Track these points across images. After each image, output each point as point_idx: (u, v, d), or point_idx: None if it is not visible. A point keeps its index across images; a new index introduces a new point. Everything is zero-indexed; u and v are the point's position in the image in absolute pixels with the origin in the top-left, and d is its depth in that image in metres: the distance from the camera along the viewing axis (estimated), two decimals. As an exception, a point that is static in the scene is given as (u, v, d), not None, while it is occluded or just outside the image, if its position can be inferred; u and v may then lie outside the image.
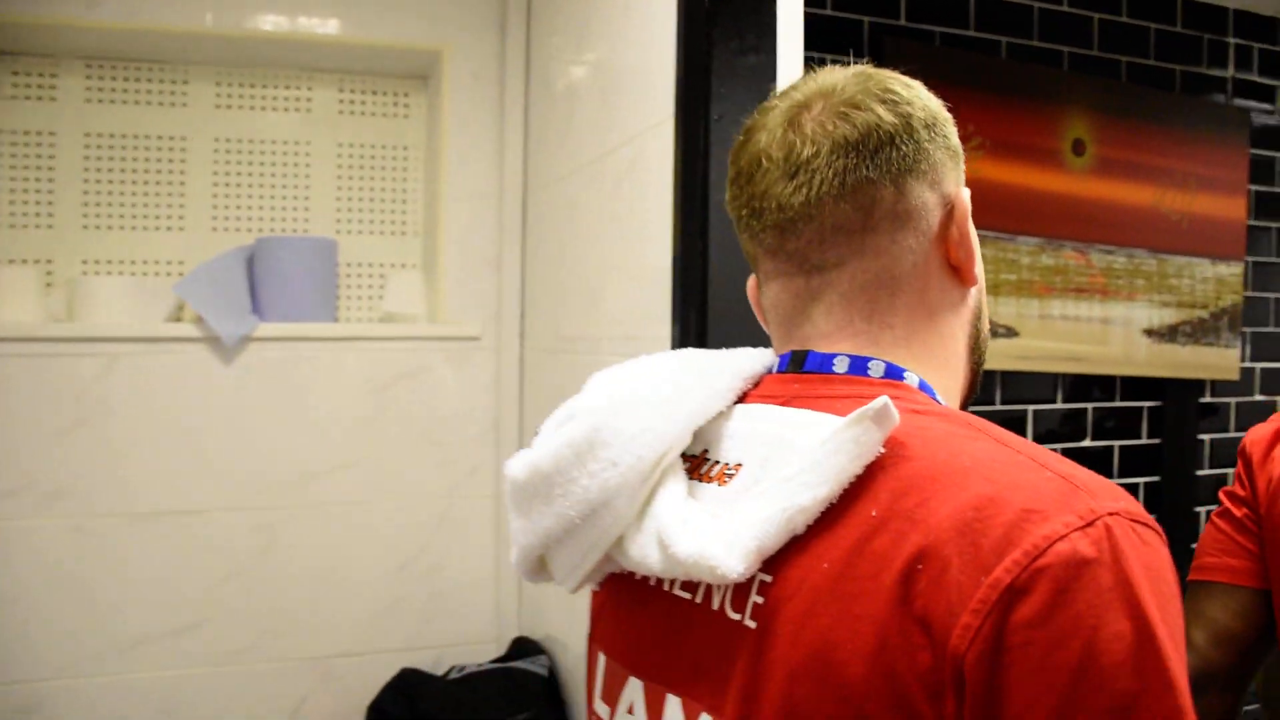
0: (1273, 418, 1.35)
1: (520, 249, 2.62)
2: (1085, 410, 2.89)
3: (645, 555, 0.69)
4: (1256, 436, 1.34)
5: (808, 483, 0.62)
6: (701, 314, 1.44)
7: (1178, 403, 3.00)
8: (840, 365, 0.73)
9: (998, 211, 2.66)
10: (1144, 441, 2.99)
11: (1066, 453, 2.68)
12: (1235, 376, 3.04)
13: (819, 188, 0.71)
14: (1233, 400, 3.12)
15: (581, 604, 0.91)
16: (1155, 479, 3.01)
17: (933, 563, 0.57)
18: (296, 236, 2.58)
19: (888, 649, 0.57)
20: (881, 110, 0.72)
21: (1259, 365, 3.16)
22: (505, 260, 2.61)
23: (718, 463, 0.74)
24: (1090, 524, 0.56)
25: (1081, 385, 2.87)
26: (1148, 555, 0.57)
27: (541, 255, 2.48)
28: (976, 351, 0.82)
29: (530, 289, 2.57)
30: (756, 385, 0.78)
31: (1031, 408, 2.80)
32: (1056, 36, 2.77)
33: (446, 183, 2.58)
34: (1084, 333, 2.79)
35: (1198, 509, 3.08)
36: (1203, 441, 3.08)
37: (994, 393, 2.74)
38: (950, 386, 0.78)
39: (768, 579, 0.65)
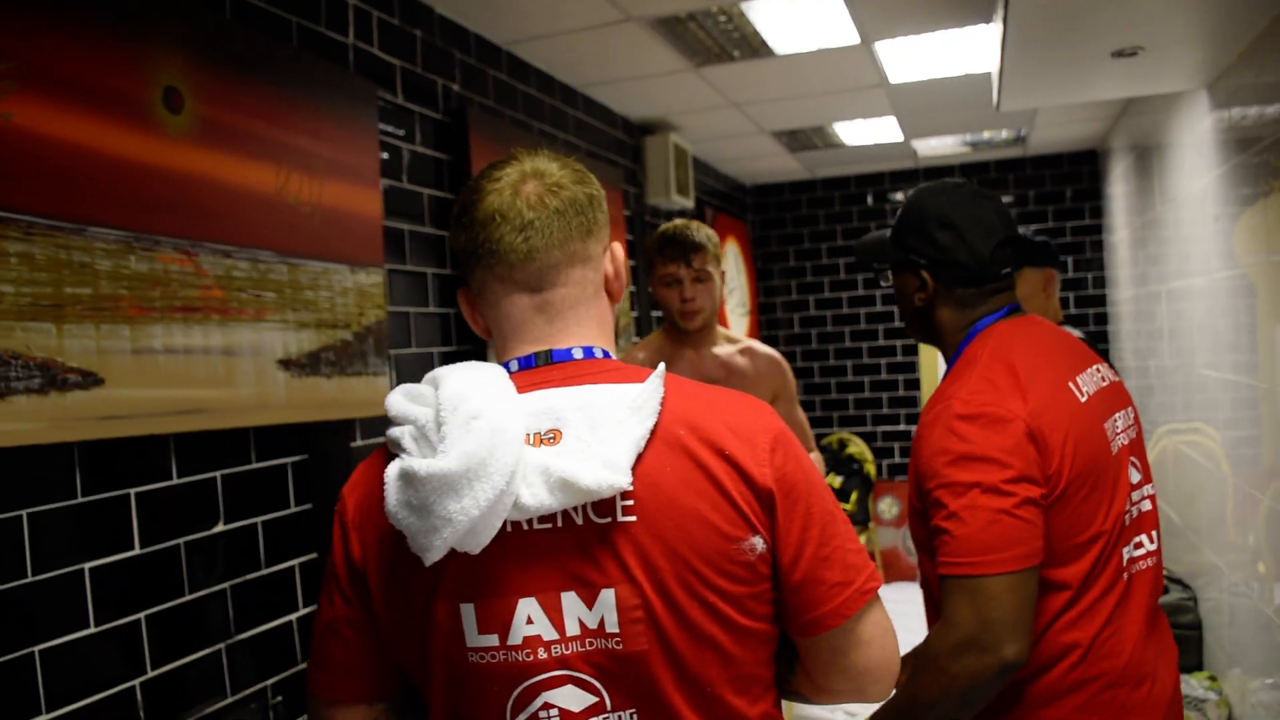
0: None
1: None
2: (214, 482, 2.02)
3: (540, 499, 0.99)
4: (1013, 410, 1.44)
5: (641, 420, 1.03)
6: None
7: (327, 453, 2.32)
8: (577, 354, 1.12)
9: (53, 184, 1.63)
10: (294, 510, 2.24)
11: (185, 553, 1.74)
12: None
13: (541, 239, 1.10)
14: (384, 438, 2.55)
15: None
16: (313, 556, 2.28)
17: (730, 449, 1.06)
18: None
19: (726, 496, 1.04)
20: (579, 190, 1.14)
21: (407, 394, 2.64)
22: None
23: (537, 433, 1.05)
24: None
25: (204, 447, 1.99)
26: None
27: None
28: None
29: None
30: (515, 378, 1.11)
31: (134, 492, 1.83)
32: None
33: None
34: (201, 371, 1.91)
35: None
36: (357, 496, 2.44)
37: (74, 481, 1.71)
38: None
39: (630, 488, 1.02)
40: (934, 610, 1.56)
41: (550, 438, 1.04)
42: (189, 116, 1.90)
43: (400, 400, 1.08)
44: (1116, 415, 1.56)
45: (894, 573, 6.02)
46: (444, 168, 2.88)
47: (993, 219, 1.58)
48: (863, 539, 5.67)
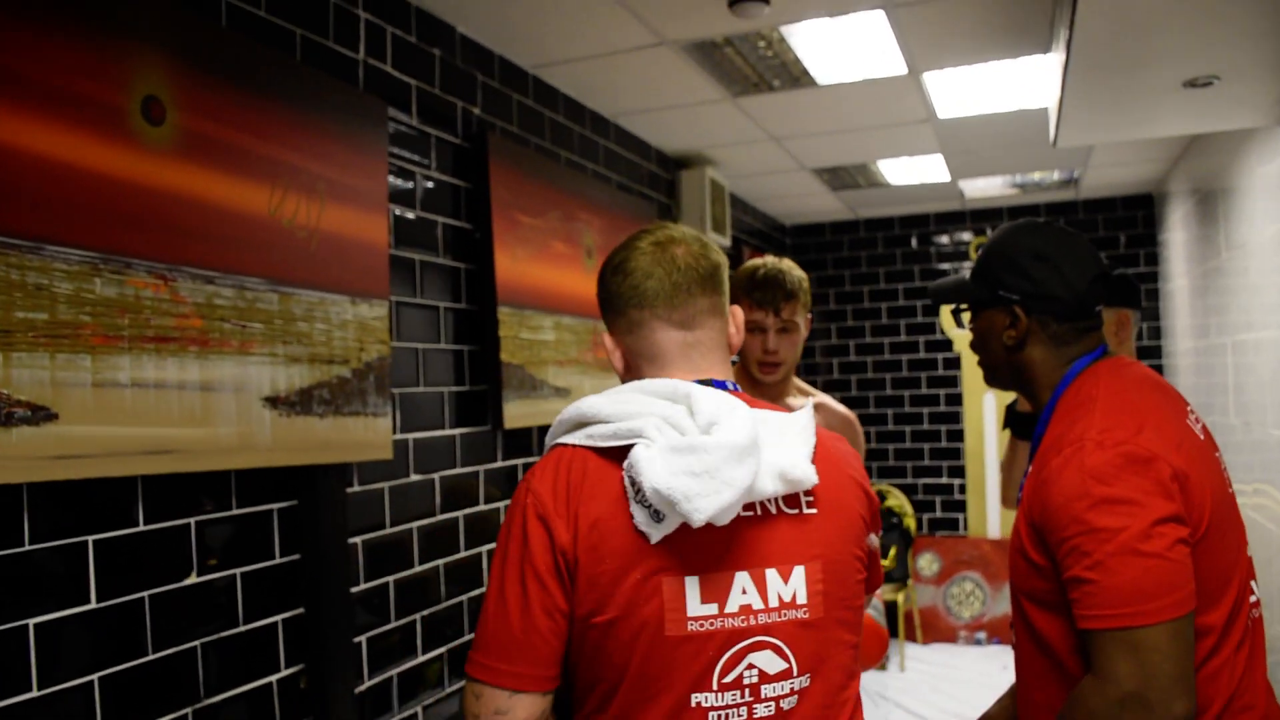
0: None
1: None
2: (188, 529, 1.84)
3: (765, 486, 1.23)
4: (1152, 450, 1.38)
5: (808, 439, 1.31)
6: None
7: (318, 499, 2.13)
8: (729, 385, 1.37)
9: (5, 197, 1.47)
10: (279, 561, 2.05)
11: (165, 625, 1.65)
12: (389, 454, 2.28)
13: (688, 289, 1.36)
14: (386, 485, 2.36)
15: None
16: (300, 611, 2.08)
17: (855, 464, 1.39)
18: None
19: (861, 502, 1.36)
20: (719, 258, 1.41)
21: (411, 437, 2.46)
22: None
23: None
24: None
25: (176, 491, 1.82)
26: None
27: None
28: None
29: None
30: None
31: (92, 540, 1.65)
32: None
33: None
34: (175, 407, 1.74)
35: (360, 639, 2.24)
36: (355, 548, 2.26)
37: (21, 526, 1.53)
38: None
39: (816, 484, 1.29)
40: (1033, 669, 1.49)
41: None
42: (171, 128, 1.74)
43: (607, 402, 1.29)
44: (1218, 456, 1.52)
45: (933, 633, 5.71)
46: (461, 195, 2.71)
47: (1086, 254, 1.55)
48: (900, 596, 5.38)
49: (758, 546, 1.25)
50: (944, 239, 5.89)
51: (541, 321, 2.94)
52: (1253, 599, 1.45)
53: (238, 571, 1.94)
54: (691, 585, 1.22)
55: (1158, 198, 5.32)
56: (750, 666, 1.23)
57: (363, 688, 2.26)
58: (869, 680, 5.11)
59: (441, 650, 2.55)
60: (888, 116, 3.76)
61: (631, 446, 1.22)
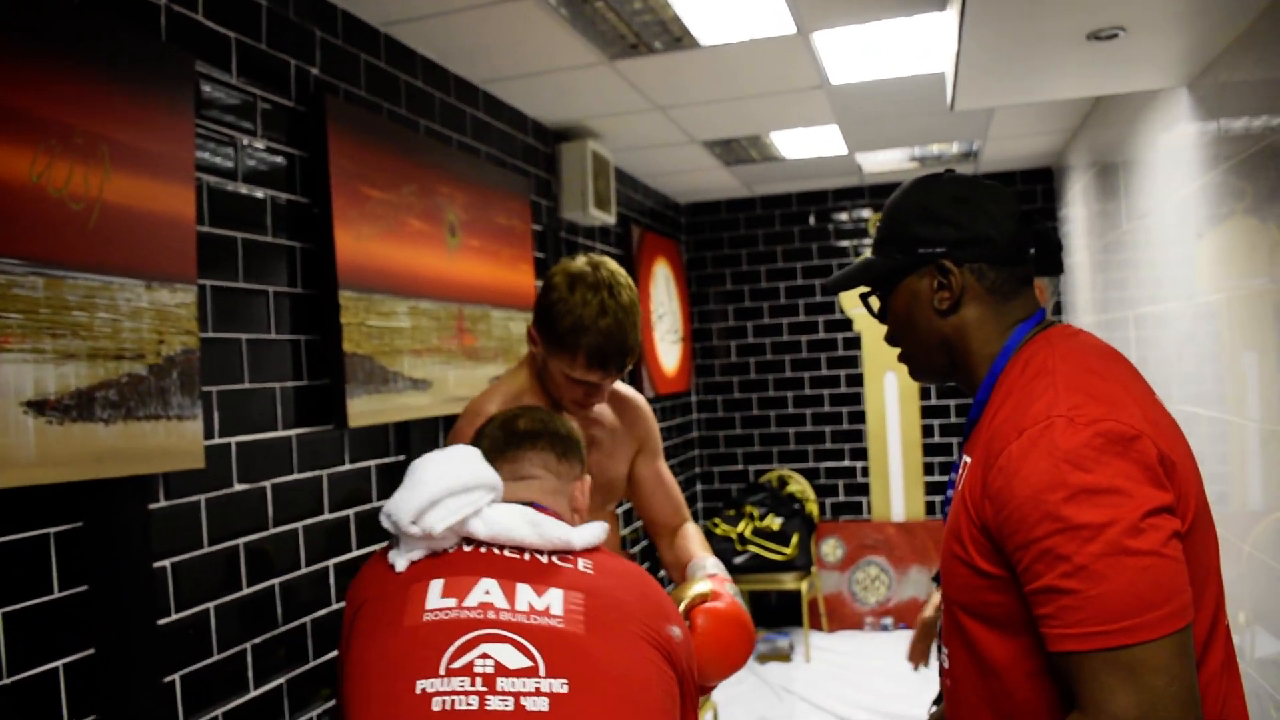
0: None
1: None
2: (-85, 569, 1.50)
3: (508, 524, 1.40)
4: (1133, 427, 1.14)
5: (593, 531, 1.48)
6: None
7: (112, 519, 1.81)
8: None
9: None
10: (60, 595, 1.72)
11: None
12: (200, 463, 1.96)
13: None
14: (202, 498, 2.04)
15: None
16: (90, 652, 1.76)
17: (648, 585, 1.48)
18: None
19: (645, 606, 1.42)
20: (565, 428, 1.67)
21: (235, 440, 2.14)
22: None
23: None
24: None
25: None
26: None
27: None
28: None
29: None
30: None
31: None
32: None
33: None
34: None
35: (172, 677, 1.93)
36: (163, 573, 1.94)
37: None
38: None
39: (588, 560, 1.41)
40: (973, 699, 1.24)
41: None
42: (-125, 72, 1.40)
43: None
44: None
45: (838, 620, 5.58)
46: (296, 165, 2.39)
47: (1003, 194, 1.35)
48: (804, 584, 5.22)
49: (514, 569, 1.36)
50: (843, 216, 5.72)
51: (394, 306, 2.64)
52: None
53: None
54: (435, 587, 1.33)
55: (1057, 171, 5.24)
56: (485, 656, 1.23)
57: (178, 734, 1.95)
58: (773, 673, 4.93)
59: (280, 681, 2.24)
60: (778, 82, 3.54)
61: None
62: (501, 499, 1.49)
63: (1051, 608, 1.08)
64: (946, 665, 1.31)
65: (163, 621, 1.93)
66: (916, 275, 1.35)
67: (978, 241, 1.30)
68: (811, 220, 5.78)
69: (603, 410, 2.13)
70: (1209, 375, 2.54)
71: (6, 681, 1.62)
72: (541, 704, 1.21)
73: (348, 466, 2.52)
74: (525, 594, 1.31)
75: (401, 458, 2.77)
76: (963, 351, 1.34)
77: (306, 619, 2.34)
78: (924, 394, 5.60)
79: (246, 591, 2.15)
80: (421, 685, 1.22)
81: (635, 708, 1.28)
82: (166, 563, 1.95)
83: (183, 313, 1.92)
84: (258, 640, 2.18)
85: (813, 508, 5.57)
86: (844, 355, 5.72)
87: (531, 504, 1.49)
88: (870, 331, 5.63)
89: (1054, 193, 5.32)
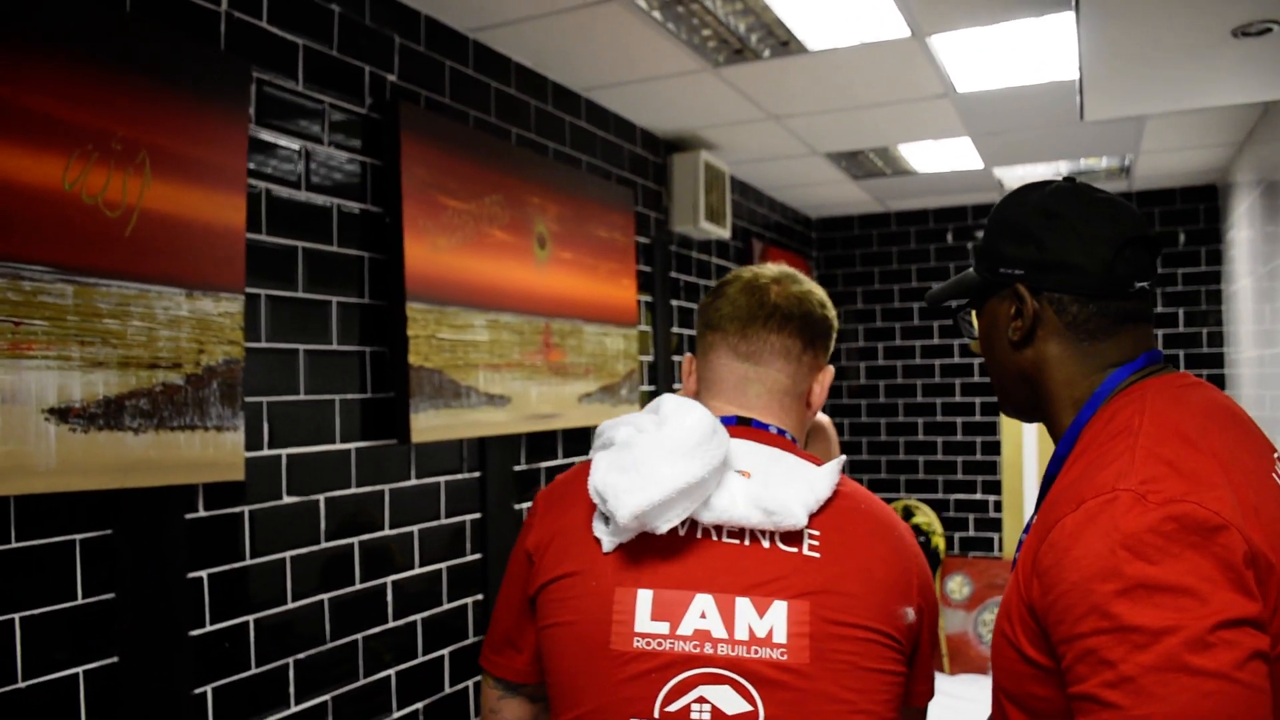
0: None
1: None
2: (-79, 573, 1.51)
3: (739, 511, 1.18)
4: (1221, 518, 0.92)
5: (827, 483, 1.22)
6: None
7: (143, 529, 1.79)
8: (772, 428, 1.33)
9: None
10: (84, 602, 1.71)
11: None
12: (240, 475, 1.93)
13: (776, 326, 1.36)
14: (245, 509, 2.02)
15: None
16: (113, 660, 1.74)
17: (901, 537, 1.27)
18: None
19: (889, 564, 1.22)
20: (821, 310, 1.40)
21: (285, 452, 2.11)
22: None
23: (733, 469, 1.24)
24: None
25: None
26: None
27: None
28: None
29: None
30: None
31: None
32: None
33: None
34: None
35: (203, 689, 1.90)
36: (199, 583, 1.91)
37: None
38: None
39: (815, 531, 1.20)
40: None
41: (742, 472, 1.24)
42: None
43: (616, 419, 1.30)
44: None
45: (961, 662, 5.23)
46: (369, 174, 2.35)
47: (1119, 213, 1.12)
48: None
49: (733, 573, 1.18)
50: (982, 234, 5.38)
51: (470, 319, 2.57)
52: None
53: (15, 616, 1.60)
54: (644, 599, 1.18)
55: (1222, 189, 4.76)
56: (701, 700, 1.14)
57: (208, 749, 1.92)
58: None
59: (324, 698, 2.19)
60: (897, 90, 3.31)
61: None
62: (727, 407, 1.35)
63: (1089, 718, 0.89)
64: None
65: (196, 632, 1.90)
66: (999, 297, 1.18)
67: (1060, 268, 1.11)
68: (949, 238, 5.46)
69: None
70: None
71: (22, 685, 1.61)
72: None
73: (412, 482, 2.47)
74: (745, 614, 1.16)
75: (476, 474, 2.70)
76: (1044, 392, 1.15)
77: (358, 635, 2.29)
78: (1068, 426, 5.19)
79: (290, 606, 2.11)
80: None
81: None
82: (203, 573, 1.92)
83: (225, 322, 1.89)
84: (301, 655, 2.14)
85: (939, 541, 5.25)
86: (979, 382, 5.37)
87: (751, 422, 1.32)
88: (1010, 357, 5.26)
89: (1218, 212, 4.84)
